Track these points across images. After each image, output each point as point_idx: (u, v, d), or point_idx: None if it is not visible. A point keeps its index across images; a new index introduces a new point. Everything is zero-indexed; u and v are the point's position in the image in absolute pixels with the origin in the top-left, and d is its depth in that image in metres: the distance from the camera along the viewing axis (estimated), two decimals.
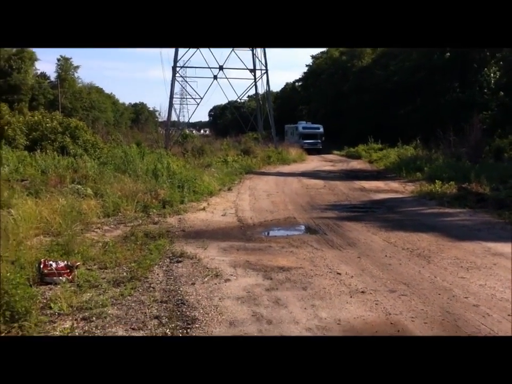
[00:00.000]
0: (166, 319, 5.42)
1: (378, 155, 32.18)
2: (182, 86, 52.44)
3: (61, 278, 6.54)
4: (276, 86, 79.56)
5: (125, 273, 7.02)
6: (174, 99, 46.48)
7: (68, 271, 6.69)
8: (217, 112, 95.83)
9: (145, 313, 5.62)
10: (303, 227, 11.20)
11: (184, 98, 69.06)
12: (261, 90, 48.38)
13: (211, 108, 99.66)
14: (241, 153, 29.56)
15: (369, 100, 46.37)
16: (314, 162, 33.68)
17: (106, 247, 8.32)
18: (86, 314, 5.47)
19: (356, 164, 32.11)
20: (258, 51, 41.79)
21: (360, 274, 7.22)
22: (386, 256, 8.38)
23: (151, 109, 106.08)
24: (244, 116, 51.80)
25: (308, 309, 5.79)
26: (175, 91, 48.95)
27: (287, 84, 73.20)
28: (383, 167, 27.73)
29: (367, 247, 9.02)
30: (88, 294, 6.16)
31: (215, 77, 40.69)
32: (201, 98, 44.52)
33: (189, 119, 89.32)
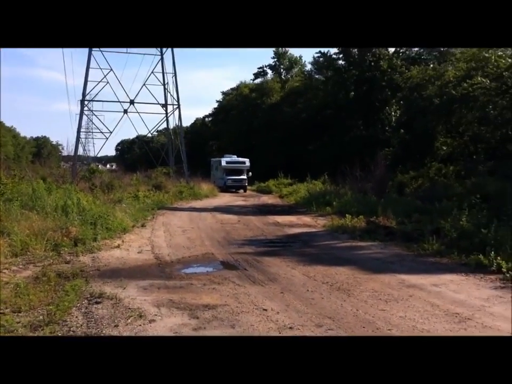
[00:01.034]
0: None
1: (289, 190, 32.97)
2: (90, 119, 51.13)
3: None
4: (185, 121, 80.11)
5: (41, 317, 6.57)
6: (81, 133, 45.19)
7: None
8: (125, 147, 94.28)
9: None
10: (222, 263, 11.11)
11: (91, 132, 67.33)
12: (172, 125, 48.06)
13: (118, 142, 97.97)
14: (152, 188, 29.13)
15: (278, 136, 47.62)
16: (226, 197, 33.82)
17: (18, 288, 7.81)
18: None
19: (267, 199, 32.62)
20: (170, 86, 41.81)
21: (286, 310, 7.25)
22: (308, 290, 8.49)
23: (54, 142, 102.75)
24: (153, 151, 51.32)
25: None
26: (82, 125, 47.59)
27: (197, 119, 73.82)
28: (293, 201, 28.37)
29: (288, 282, 9.10)
30: None
31: (125, 111, 40.18)
32: (111, 133, 43.66)
33: (97, 153, 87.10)
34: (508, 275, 8.80)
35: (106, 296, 7.70)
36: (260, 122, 52.27)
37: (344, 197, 22.90)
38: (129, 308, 7.16)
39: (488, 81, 26.62)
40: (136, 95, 41.15)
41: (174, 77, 42.57)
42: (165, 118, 42.69)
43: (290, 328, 6.41)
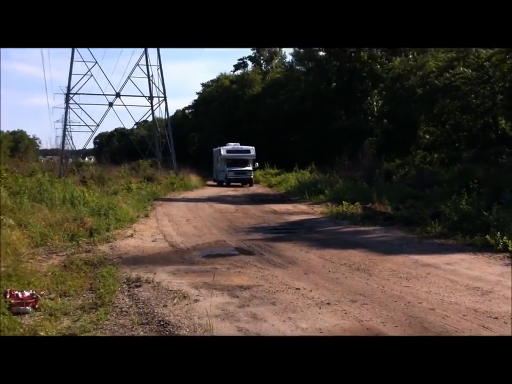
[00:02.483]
0: None
1: (277, 179, 33.41)
2: (75, 113, 50.67)
3: (27, 307, 6.34)
4: (161, 113, 79.70)
5: (90, 300, 6.92)
6: (62, 126, 44.94)
7: (33, 300, 6.50)
8: (103, 140, 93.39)
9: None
10: (236, 249, 11.48)
11: (70, 125, 66.60)
12: (158, 117, 47.52)
13: (97, 135, 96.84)
14: (144, 180, 29.27)
15: (261, 127, 47.85)
16: (216, 188, 34.12)
17: (54, 276, 8.09)
18: None
19: (256, 189, 33.05)
20: (156, 78, 41.71)
21: (316, 289, 7.68)
22: (329, 271, 8.94)
23: (31, 136, 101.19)
24: (133, 143, 51.04)
25: (287, 321, 6.12)
26: (62, 118, 47.29)
27: (177, 111, 73.44)
28: (284, 190, 28.82)
29: (308, 264, 9.54)
30: (65, 321, 6.04)
31: (111, 104, 40.05)
32: (98, 125, 43.38)
33: (85, 145, 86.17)
34: None
35: (143, 280, 8.04)
36: (242, 113, 52.41)
37: (336, 185, 23.42)
38: (170, 290, 7.53)
39: (470, 71, 27.40)
40: (122, 88, 40.81)
41: (159, 69, 42.52)
42: (150, 111, 42.62)
43: (328, 304, 6.85)
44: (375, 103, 38.79)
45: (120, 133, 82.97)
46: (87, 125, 45.96)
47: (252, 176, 36.66)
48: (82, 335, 5.07)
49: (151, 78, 41.88)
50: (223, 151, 37.26)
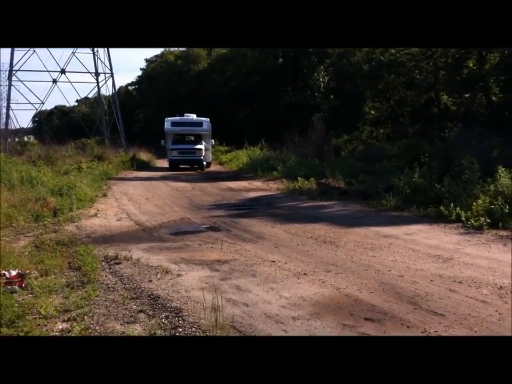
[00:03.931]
0: (152, 312, 5.76)
1: (228, 157, 33.58)
2: (18, 90, 48.80)
3: (14, 286, 6.44)
4: (107, 90, 77.75)
5: (74, 278, 7.07)
6: (5, 105, 43.33)
7: (20, 279, 6.60)
8: (43, 118, 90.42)
9: (126, 309, 5.87)
10: (203, 226, 11.73)
11: (19, 103, 64.18)
12: (105, 93, 46.24)
13: (35, 113, 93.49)
14: (94, 159, 28.83)
15: (208, 104, 47.67)
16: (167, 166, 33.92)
17: (31, 256, 8.15)
18: (73, 314, 5.58)
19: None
20: (101, 53, 40.67)
21: (290, 261, 8.08)
22: (298, 244, 9.35)
23: None
24: (74, 121, 49.80)
25: (270, 291, 6.49)
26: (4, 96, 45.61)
27: (120, 87, 71.92)
28: (236, 168, 29.07)
29: (276, 239, 9.93)
30: (56, 298, 6.20)
31: (55, 81, 38.94)
32: (43, 103, 41.93)
33: (29, 125, 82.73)
34: (468, 223, 10.07)
35: (122, 258, 8.21)
36: (188, 90, 52.04)
37: (289, 161, 23.89)
38: (151, 266, 7.75)
39: None
40: (66, 64, 39.68)
41: None
42: (96, 87, 41.65)
43: (305, 274, 7.27)
44: (321, 78, 39.41)
45: (60, 110, 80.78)
46: (30, 103, 44.42)
47: (202, 157, 29.04)
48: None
49: (96, 54, 40.86)
50: (167, 123, 30.57)
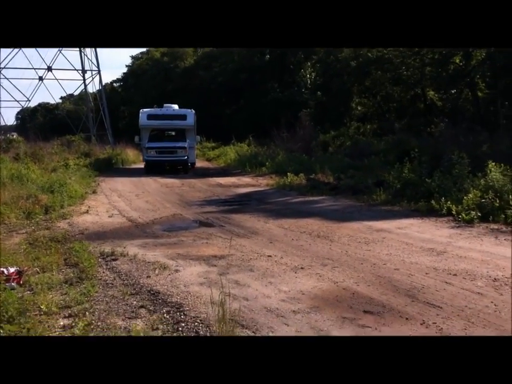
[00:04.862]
0: (153, 307, 5.78)
1: (216, 153, 33.55)
2: (4, 88, 48.31)
3: (12, 283, 6.41)
4: (93, 87, 77.11)
5: (71, 274, 7.06)
6: None
7: (18, 276, 6.58)
8: (26, 115, 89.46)
9: (127, 304, 5.89)
10: (196, 222, 11.75)
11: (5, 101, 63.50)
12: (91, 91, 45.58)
13: (18, 110, 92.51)
14: (81, 156, 28.64)
15: (194, 101, 47.39)
16: None
17: (26, 253, 8.12)
18: (74, 311, 5.59)
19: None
20: (88, 51, 40.30)
21: (286, 255, 8.13)
22: (292, 239, 9.41)
23: None
24: (58, 118, 49.31)
25: (269, 286, 6.54)
26: None
27: (106, 84, 71.32)
28: (224, 164, 29.06)
29: (270, 234, 9.97)
30: (56, 295, 6.19)
31: (41, 78, 38.56)
32: (29, 100, 41.54)
33: (15, 122, 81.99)
34: (459, 217, 10.21)
35: (118, 254, 8.21)
36: (174, 87, 51.67)
37: (278, 157, 23.94)
38: (148, 262, 7.76)
39: None
40: (53, 62, 39.28)
41: None
42: (82, 84, 41.26)
43: (302, 268, 7.33)
44: (308, 75, 39.48)
45: (44, 107, 80.00)
46: (16, 100, 43.93)
47: (187, 157, 24.14)
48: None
49: (83, 51, 40.50)
50: (142, 116, 25.25)
